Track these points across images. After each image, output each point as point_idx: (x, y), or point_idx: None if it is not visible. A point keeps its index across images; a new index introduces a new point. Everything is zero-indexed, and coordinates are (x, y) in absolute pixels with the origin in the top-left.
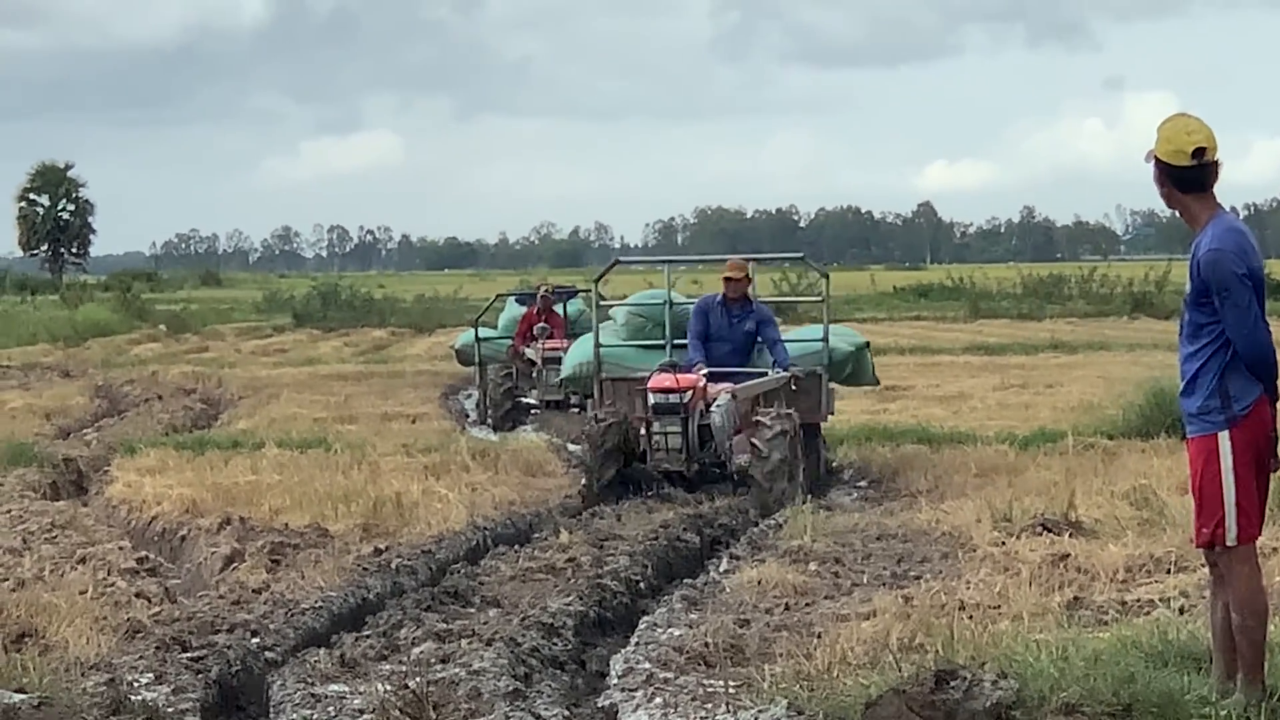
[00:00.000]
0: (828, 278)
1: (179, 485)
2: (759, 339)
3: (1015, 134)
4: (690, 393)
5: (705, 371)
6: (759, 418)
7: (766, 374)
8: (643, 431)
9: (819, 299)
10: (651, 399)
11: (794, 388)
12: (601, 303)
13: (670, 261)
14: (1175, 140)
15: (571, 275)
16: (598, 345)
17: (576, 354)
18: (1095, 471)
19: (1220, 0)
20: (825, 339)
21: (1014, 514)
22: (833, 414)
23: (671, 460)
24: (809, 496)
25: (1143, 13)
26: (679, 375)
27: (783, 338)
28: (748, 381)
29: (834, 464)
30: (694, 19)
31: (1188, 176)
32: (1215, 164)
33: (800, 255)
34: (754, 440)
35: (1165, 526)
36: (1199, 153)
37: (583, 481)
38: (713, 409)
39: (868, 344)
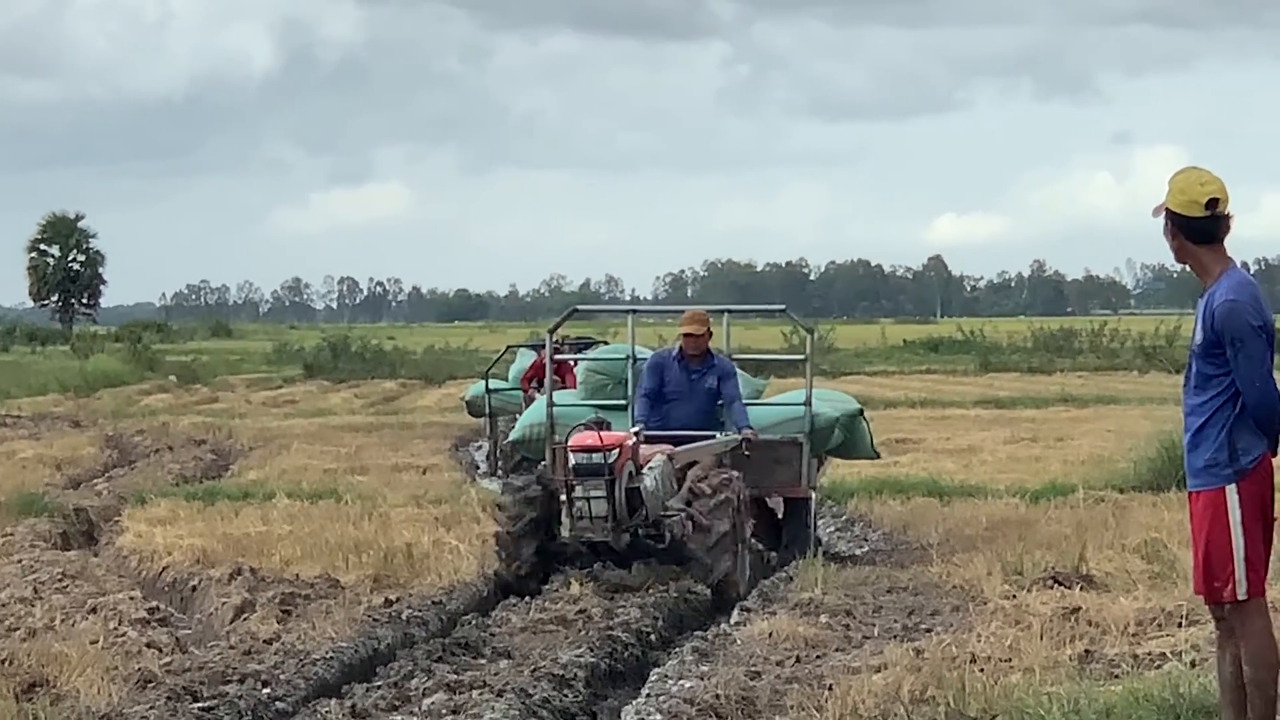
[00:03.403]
0: (812, 334)
1: (190, 535)
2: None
3: (1024, 187)
4: (616, 451)
5: (636, 430)
6: (697, 483)
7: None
8: (563, 497)
9: (801, 357)
10: (572, 459)
11: (746, 453)
12: (556, 356)
13: (634, 311)
14: (1188, 191)
15: (584, 327)
16: (550, 405)
17: (530, 415)
18: (1106, 525)
19: (1228, 54)
20: (807, 403)
21: (1025, 567)
22: (816, 488)
23: (596, 529)
24: (754, 580)
25: (1150, 67)
26: (603, 433)
27: (764, 400)
28: (698, 444)
29: (822, 546)
30: (704, 72)
31: (1200, 228)
32: (1227, 216)
33: (782, 308)
34: (692, 510)
35: (1176, 580)
36: (1212, 204)
37: (495, 568)
38: (645, 471)
39: (861, 411)
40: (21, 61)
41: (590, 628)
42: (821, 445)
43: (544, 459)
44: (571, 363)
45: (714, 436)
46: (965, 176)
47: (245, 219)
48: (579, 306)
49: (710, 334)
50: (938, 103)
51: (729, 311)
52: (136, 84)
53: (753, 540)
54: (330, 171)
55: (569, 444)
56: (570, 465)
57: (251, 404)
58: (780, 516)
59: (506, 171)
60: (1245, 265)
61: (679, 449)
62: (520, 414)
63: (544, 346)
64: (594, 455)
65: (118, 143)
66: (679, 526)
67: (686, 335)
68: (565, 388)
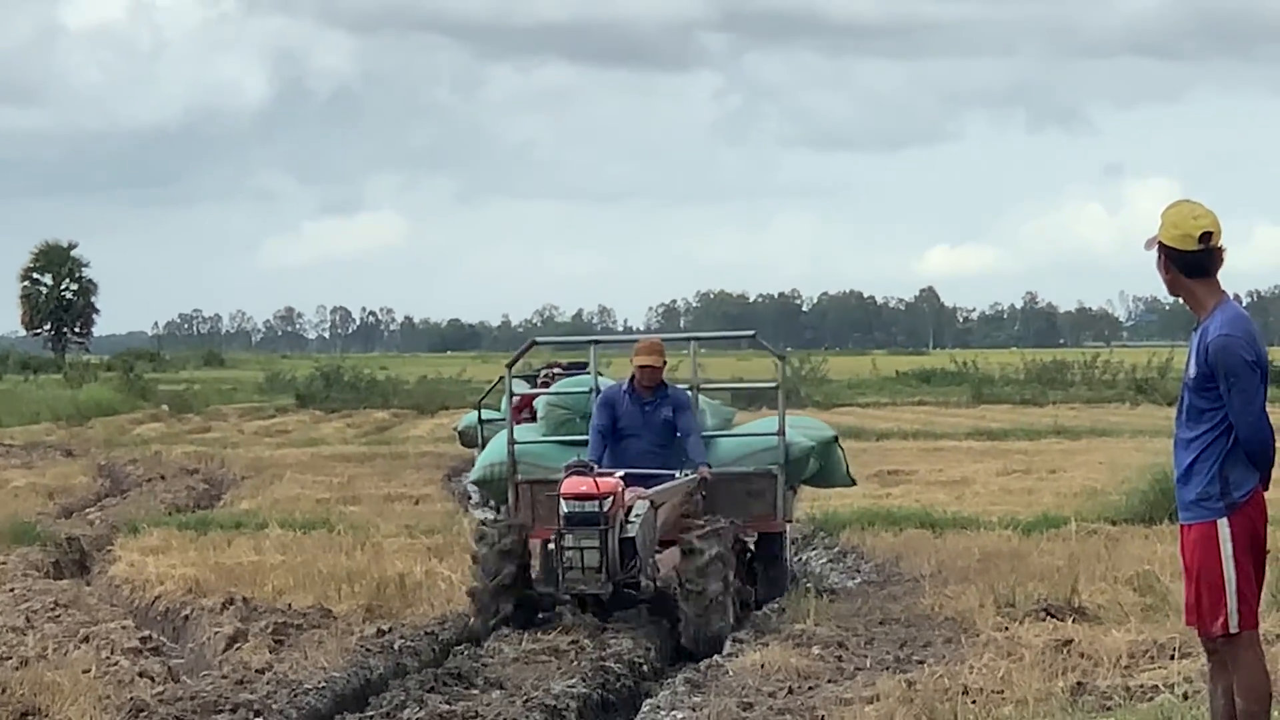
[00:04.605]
0: (783, 359)
1: (182, 565)
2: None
3: (1016, 219)
4: (611, 499)
5: (622, 474)
6: (686, 539)
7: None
8: (550, 546)
9: (773, 384)
10: (565, 507)
11: (703, 493)
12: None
13: (597, 342)
14: (1182, 225)
15: (580, 355)
16: (512, 442)
17: (490, 453)
18: (1098, 557)
19: (1219, 86)
20: (781, 432)
21: (1017, 599)
22: (792, 521)
23: (589, 581)
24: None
25: (1142, 99)
26: (598, 478)
27: (734, 431)
28: (657, 486)
29: (799, 580)
30: (695, 103)
31: (1194, 261)
32: (1220, 249)
33: (751, 334)
34: (682, 571)
35: (1168, 612)
36: (1205, 237)
37: (471, 619)
38: (631, 520)
39: (836, 438)
40: (14, 90)
41: (582, 658)
42: (797, 475)
43: (505, 499)
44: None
45: (673, 473)
46: (957, 208)
47: (238, 248)
48: (538, 339)
49: (665, 365)
50: (929, 134)
51: (695, 339)
52: (129, 113)
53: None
54: (322, 201)
55: (561, 490)
56: (564, 514)
57: (244, 433)
58: (754, 550)
59: (499, 201)
60: (1238, 297)
61: (652, 491)
62: None
63: (536, 378)
64: (587, 504)
65: (110, 172)
66: (665, 580)
67: (642, 367)
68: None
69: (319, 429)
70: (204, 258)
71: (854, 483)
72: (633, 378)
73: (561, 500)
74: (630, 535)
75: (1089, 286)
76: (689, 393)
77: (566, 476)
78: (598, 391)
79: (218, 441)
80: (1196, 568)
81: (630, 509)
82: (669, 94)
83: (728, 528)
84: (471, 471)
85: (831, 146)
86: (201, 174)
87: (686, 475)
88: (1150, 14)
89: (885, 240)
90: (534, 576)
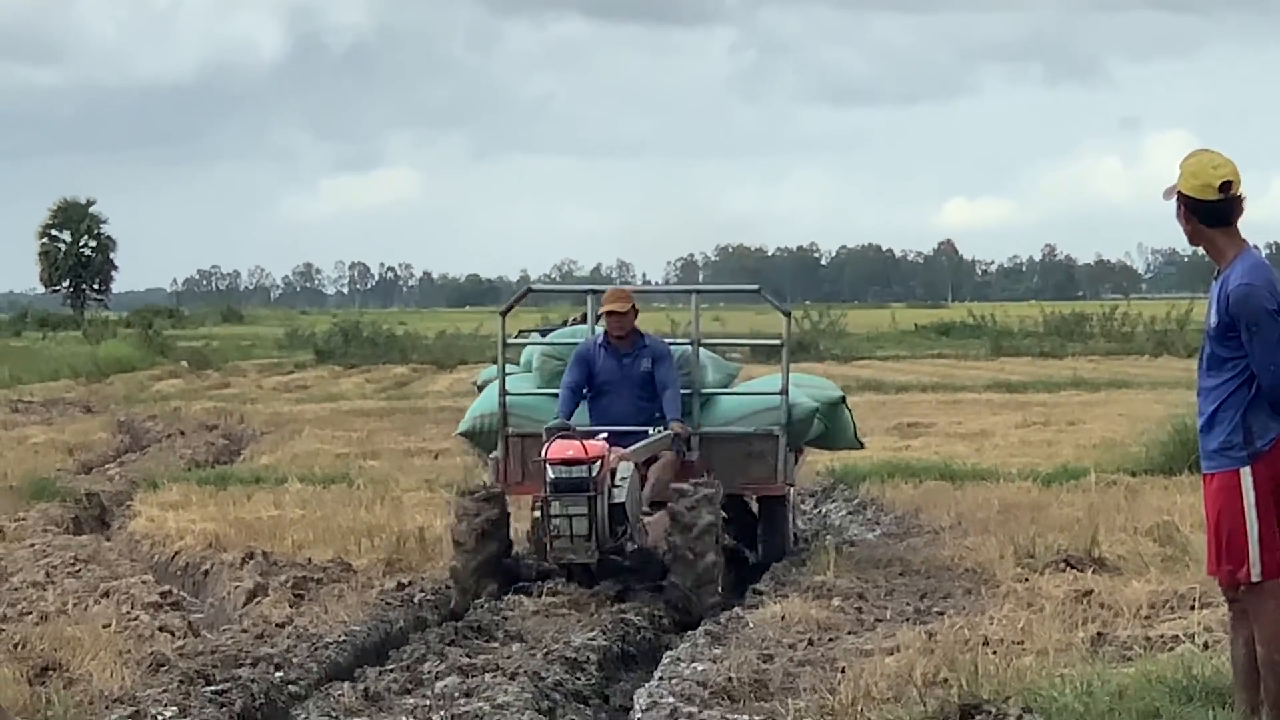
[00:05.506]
0: (789, 316)
1: (202, 520)
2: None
3: (1034, 172)
4: (599, 464)
5: (604, 435)
6: (677, 510)
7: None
8: (536, 514)
9: (777, 342)
10: (551, 473)
11: (682, 451)
12: (510, 341)
13: (594, 291)
14: (1201, 175)
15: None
16: (503, 393)
17: (479, 404)
18: (1118, 508)
19: (1236, 38)
20: (784, 391)
21: (1037, 550)
22: (794, 484)
23: (578, 550)
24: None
25: (1158, 52)
26: (585, 441)
27: (737, 388)
28: (633, 446)
29: (800, 537)
30: (712, 58)
31: (1214, 211)
32: (1240, 198)
33: (756, 288)
34: (674, 538)
35: (1189, 563)
36: (1225, 186)
37: (450, 589)
38: (617, 484)
39: (843, 398)
40: (32, 48)
41: (603, 611)
42: (800, 437)
43: (494, 451)
44: None
45: (657, 430)
46: (974, 161)
47: (256, 205)
48: (533, 286)
49: (636, 312)
50: (946, 88)
51: (698, 292)
52: (146, 70)
53: (730, 540)
54: (339, 157)
55: (547, 455)
56: (550, 480)
57: (263, 389)
58: (756, 513)
59: (516, 157)
60: (1256, 249)
61: (628, 450)
62: None
63: (553, 331)
64: (575, 469)
65: (127, 129)
66: (653, 545)
67: (610, 314)
68: None
69: (338, 384)
70: (222, 214)
71: (862, 445)
72: (605, 332)
73: (547, 466)
74: (619, 500)
75: (1107, 239)
76: (688, 347)
77: (551, 441)
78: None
79: (237, 397)
80: (1219, 517)
81: (615, 472)
82: (685, 49)
83: (717, 491)
84: (460, 423)
85: (848, 100)
86: (219, 130)
87: (660, 431)
88: None
89: (903, 194)
90: (517, 551)
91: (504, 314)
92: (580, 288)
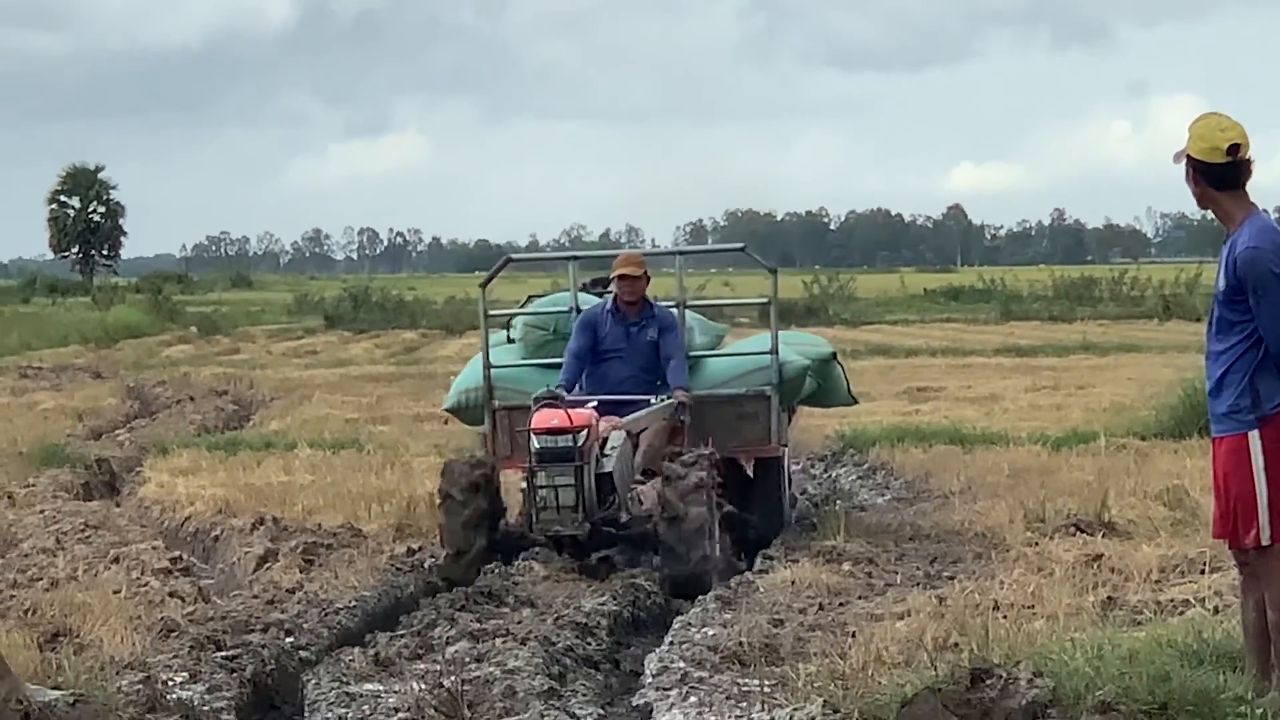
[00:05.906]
0: (775, 273)
1: (212, 486)
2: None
3: (1042, 136)
4: (585, 433)
5: (572, 397)
6: (670, 466)
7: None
8: (523, 485)
9: (764, 300)
10: (536, 443)
11: (683, 419)
12: (492, 313)
13: (575, 257)
14: (1209, 138)
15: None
16: (488, 365)
17: (464, 377)
18: (1128, 472)
19: (1245, 2)
20: (774, 351)
21: (1047, 514)
22: (787, 445)
23: (564, 522)
24: (728, 564)
25: (1165, 15)
26: (570, 410)
27: (724, 349)
28: (631, 415)
29: (798, 502)
30: (720, 22)
31: (1222, 174)
32: (1249, 161)
33: (741, 246)
34: (665, 494)
35: (1198, 527)
36: (1234, 149)
37: (443, 556)
38: (606, 453)
39: (835, 354)
40: (40, 14)
41: (613, 576)
42: (792, 396)
43: (481, 425)
44: None
45: (649, 399)
46: (983, 125)
47: (264, 170)
48: (513, 255)
49: (649, 279)
50: (954, 52)
51: (683, 254)
52: (155, 36)
53: (728, 507)
54: (348, 123)
55: (532, 425)
56: (535, 450)
57: (272, 355)
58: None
59: (524, 122)
60: (1265, 212)
61: (625, 421)
62: None
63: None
64: (560, 438)
65: (136, 95)
66: (646, 513)
67: (622, 278)
68: None
69: (347, 350)
70: (231, 180)
71: (855, 401)
72: (615, 296)
73: (532, 436)
74: (607, 470)
75: (1116, 203)
76: (674, 310)
77: (537, 409)
78: (578, 311)
79: (246, 363)
80: (1228, 480)
81: (605, 441)
82: (694, 12)
83: (710, 454)
84: (445, 399)
85: (856, 65)
86: (228, 96)
87: (663, 400)
88: None
89: (911, 158)
90: (505, 523)
91: (484, 286)
92: (561, 254)
